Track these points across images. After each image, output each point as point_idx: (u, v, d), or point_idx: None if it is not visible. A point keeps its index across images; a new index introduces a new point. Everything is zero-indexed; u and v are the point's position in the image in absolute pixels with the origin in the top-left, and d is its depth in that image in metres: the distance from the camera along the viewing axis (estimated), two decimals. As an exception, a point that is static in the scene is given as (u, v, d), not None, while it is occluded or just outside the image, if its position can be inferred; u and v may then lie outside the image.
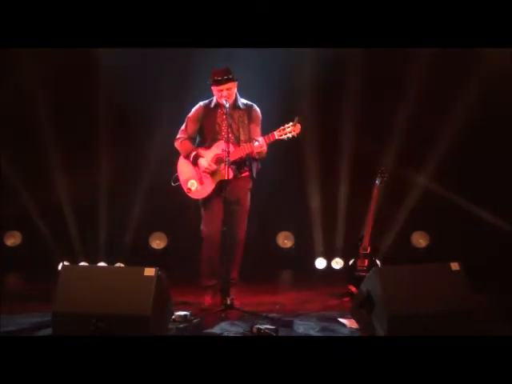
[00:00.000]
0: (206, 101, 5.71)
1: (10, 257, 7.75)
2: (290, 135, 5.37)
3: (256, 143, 5.41)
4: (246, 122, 5.62)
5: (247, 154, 5.48)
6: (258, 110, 5.70)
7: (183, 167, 5.67)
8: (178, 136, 5.72)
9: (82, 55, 7.25)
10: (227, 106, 5.42)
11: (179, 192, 5.66)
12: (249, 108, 5.67)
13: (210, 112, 5.64)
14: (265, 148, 5.44)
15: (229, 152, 5.31)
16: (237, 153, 5.45)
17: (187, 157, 5.63)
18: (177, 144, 5.72)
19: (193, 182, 5.60)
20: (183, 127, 5.73)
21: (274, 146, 5.57)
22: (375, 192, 6.22)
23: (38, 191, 7.76)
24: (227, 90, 5.48)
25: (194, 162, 5.59)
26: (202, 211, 5.70)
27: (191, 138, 5.72)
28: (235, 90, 5.57)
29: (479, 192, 7.50)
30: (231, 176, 5.39)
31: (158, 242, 8.20)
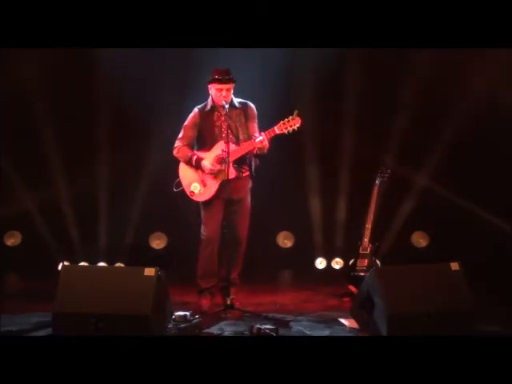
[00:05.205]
0: (201, 105, 5.66)
1: (9, 257, 7.74)
2: (290, 129, 5.36)
3: (258, 138, 5.39)
4: (244, 120, 5.60)
5: (248, 152, 5.45)
6: (253, 106, 5.67)
7: (185, 172, 5.61)
8: (176, 145, 5.64)
9: (82, 55, 7.26)
10: (227, 107, 5.40)
11: (179, 192, 5.64)
12: (244, 106, 5.64)
13: (207, 116, 5.60)
14: (266, 143, 5.38)
15: (228, 152, 5.30)
16: (238, 152, 5.43)
17: (188, 162, 5.56)
18: (175, 153, 5.63)
19: (196, 185, 5.55)
20: (180, 136, 5.64)
21: (274, 145, 5.56)
22: (375, 192, 6.24)
23: (38, 191, 7.75)
24: (227, 90, 5.46)
25: (198, 166, 5.52)
26: (203, 213, 5.64)
27: (190, 145, 5.63)
28: (232, 91, 5.55)
29: (479, 192, 7.50)
30: (234, 175, 5.38)
31: (158, 242, 8.19)
